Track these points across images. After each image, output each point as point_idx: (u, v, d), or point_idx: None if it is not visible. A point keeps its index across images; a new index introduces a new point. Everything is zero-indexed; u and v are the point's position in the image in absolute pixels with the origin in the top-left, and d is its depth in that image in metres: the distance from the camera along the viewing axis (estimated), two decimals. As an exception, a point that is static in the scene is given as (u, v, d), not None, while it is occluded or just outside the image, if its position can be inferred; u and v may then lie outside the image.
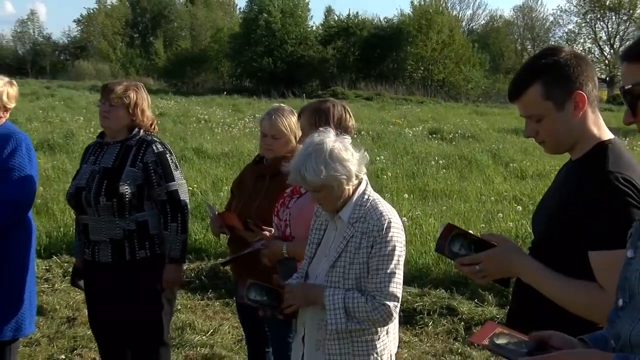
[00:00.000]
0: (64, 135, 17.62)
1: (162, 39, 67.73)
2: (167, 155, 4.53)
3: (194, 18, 70.13)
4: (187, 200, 4.64)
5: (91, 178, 4.46)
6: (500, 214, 9.90)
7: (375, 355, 3.34)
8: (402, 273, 3.33)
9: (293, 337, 3.79)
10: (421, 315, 6.72)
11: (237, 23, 60.98)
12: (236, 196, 4.72)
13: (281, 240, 4.07)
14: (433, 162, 14.91)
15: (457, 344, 6.26)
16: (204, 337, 6.25)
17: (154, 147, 4.50)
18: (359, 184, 3.37)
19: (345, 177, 3.24)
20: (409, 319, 6.67)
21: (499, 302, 7.01)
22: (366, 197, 3.36)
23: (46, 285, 7.55)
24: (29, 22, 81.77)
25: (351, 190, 3.33)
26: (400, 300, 3.31)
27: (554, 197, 2.66)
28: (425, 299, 7.00)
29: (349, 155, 3.27)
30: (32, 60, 74.07)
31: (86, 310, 4.84)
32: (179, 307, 6.89)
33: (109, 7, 76.24)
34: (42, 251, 8.39)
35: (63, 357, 5.85)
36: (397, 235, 3.30)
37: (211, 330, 6.38)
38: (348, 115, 4.10)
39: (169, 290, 4.62)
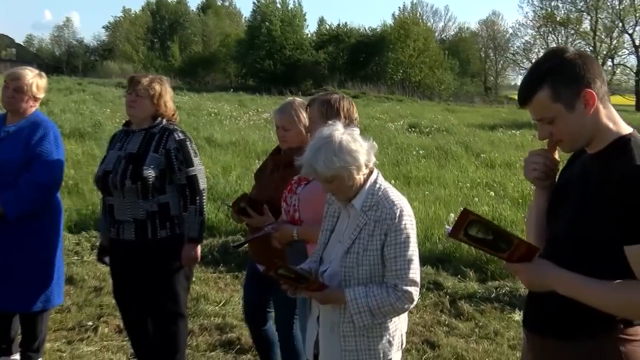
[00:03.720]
0: (92, 125, 17.39)
1: (178, 44, 67.68)
2: (188, 143, 4.27)
3: (206, 25, 69.93)
4: (205, 185, 4.36)
5: (117, 162, 4.20)
6: (476, 198, 9.64)
7: (388, 336, 3.00)
8: (418, 259, 2.99)
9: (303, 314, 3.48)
10: (411, 290, 6.41)
11: (242, 30, 61.45)
12: (256, 184, 4.41)
13: (290, 224, 3.75)
14: (414, 152, 14.64)
15: (443, 316, 6.00)
16: (216, 307, 5.97)
17: (176, 135, 4.24)
18: (370, 173, 3.01)
19: (355, 167, 2.89)
20: (400, 292, 6.37)
21: (479, 277, 6.79)
22: (378, 185, 3.00)
23: (76, 258, 7.30)
24: (64, 28, 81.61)
25: (362, 180, 2.97)
26: (419, 285, 2.98)
27: (573, 191, 2.28)
28: (414, 275, 6.68)
29: (358, 146, 2.92)
30: (66, 60, 73.83)
31: (111, 281, 4.61)
32: (194, 279, 6.58)
33: (133, 15, 75.95)
34: (73, 227, 8.21)
35: (90, 323, 5.56)
36: (410, 222, 2.95)
37: (223, 301, 6.10)
38: (353, 108, 3.81)
39: (187, 267, 4.38)
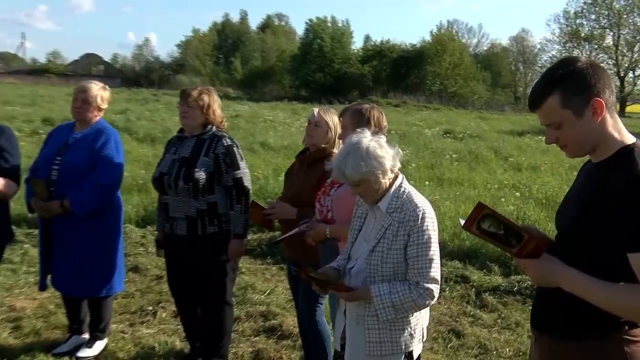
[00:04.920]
0: (162, 131, 17.46)
1: (240, 59, 68.01)
2: (234, 148, 4.23)
3: (264, 43, 70.34)
4: (250, 186, 4.30)
5: (172, 165, 4.17)
6: (503, 198, 9.36)
7: (409, 329, 2.87)
8: (439, 258, 2.85)
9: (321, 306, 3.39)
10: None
11: (296, 46, 61.50)
12: (284, 181, 4.37)
13: (324, 223, 3.66)
14: (447, 156, 14.30)
15: (469, 307, 5.81)
16: (262, 296, 5.89)
17: (224, 141, 4.21)
18: (396, 177, 2.90)
19: (380, 171, 2.79)
20: (429, 284, 6.20)
21: (503, 271, 6.56)
22: (402, 189, 2.88)
23: (142, 249, 7.30)
24: (144, 47, 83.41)
25: (388, 183, 2.86)
26: (440, 282, 2.84)
27: (578, 198, 2.13)
28: (443, 269, 6.41)
29: (384, 152, 2.81)
30: (145, 74, 74.81)
31: (166, 271, 4.59)
32: (243, 270, 6.55)
33: (202, 34, 76.92)
34: (140, 221, 8.21)
35: (150, 308, 5.54)
36: (431, 224, 2.82)
37: (268, 291, 6.01)
38: (383, 117, 3.72)
39: (233, 260, 4.33)
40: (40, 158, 4.50)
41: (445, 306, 5.82)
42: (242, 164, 4.24)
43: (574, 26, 58.44)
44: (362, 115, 3.62)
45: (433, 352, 4.87)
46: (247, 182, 4.25)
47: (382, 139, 2.88)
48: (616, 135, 2.06)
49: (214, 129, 4.28)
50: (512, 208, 8.49)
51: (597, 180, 2.05)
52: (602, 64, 2.25)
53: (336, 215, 3.59)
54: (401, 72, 51.90)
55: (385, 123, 3.72)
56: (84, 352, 4.57)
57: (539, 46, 65.25)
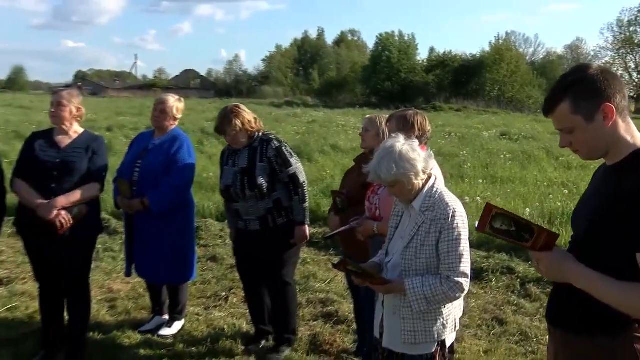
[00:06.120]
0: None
1: (317, 70, 68.32)
2: (283, 148, 4.21)
3: (339, 56, 70.40)
4: (305, 178, 4.28)
5: (235, 178, 4.18)
6: (550, 195, 8.94)
7: (442, 320, 2.76)
8: (469, 254, 2.72)
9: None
10: (487, 273, 6.02)
11: (367, 58, 61.11)
12: (343, 179, 4.35)
13: (372, 220, 3.61)
14: (502, 156, 13.79)
15: (513, 296, 5.57)
16: (322, 284, 5.81)
17: (272, 144, 4.19)
18: (429, 178, 2.78)
19: (413, 173, 2.68)
20: (477, 275, 5.99)
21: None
22: (435, 189, 2.76)
23: (220, 241, 7.32)
24: (234, 62, 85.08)
25: (421, 184, 2.75)
26: (469, 277, 2.71)
27: (593, 200, 1.96)
28: (490, 260, 6.30)
29: (416, 155, 2.70)
30: (235, 86, 76.14)
31: (235, 260, 4.72)
32: (308, 260, 6.51)
33: (284, 50, 77.60)
34: (219, 216, 8.21)
35: (223, 293, 5.58)
36: (462, 222, 2.69)
37: (328, 280, 5.93)
38: (426, 122, 3.63)
39: (298, 245, 4.37)
40: (125, 161, 4.60)
41: (491, 295, 5.59)
42: (293, 160, 4.22)
43: (628, 33, 55.80)
44: (406, 120, 3.55)
45: (477, 338, 4.68)
46: (301, 175, 4.24)
47: (415, 142, 2.78)
48: (629, 138, 1.89)
49: (260, 134, 4.26)
50: (558, 204, 8.09)
51: (610, 183, 1.88)
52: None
53: (383, 213, 3.53)
54: (462, 80, 50.77)
55: (428, 127, 3.63)
56: (164, 331, 4.64)
57: (592, 53, 62.51)
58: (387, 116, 3.88)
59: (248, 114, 4.23)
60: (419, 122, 3.54)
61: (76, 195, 3.86)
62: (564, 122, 1.91)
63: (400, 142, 2.72)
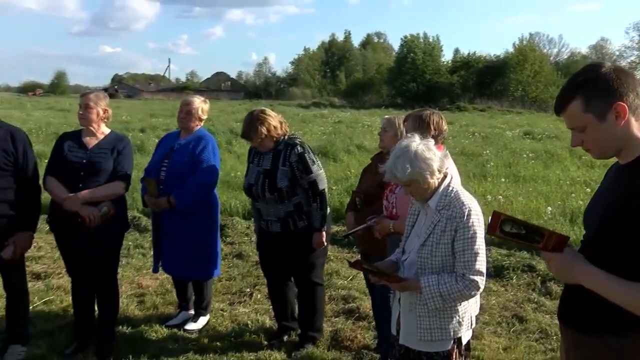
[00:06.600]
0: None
1: (344, 72, 68.18)
2: (306, 155, 4.13)
3: (365, 58, 70.23)
4: (325, 186, 4.20)
5: (257, 177, 4.16)
6: (573, 194, 8.74)
7: (458, 317, 2.70)
8: (484, 252, 2.66)
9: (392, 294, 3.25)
10: (507, 271, 5.91)
11: (392, 60, 60.76)
12: (360, 177, 4.32)
13: (389, 219, 3.57)
14: (524, 155, 13.53)
15: (534, 294, 5.46)
16: (344, 281, 5.79)
17: (296, 150, 4.12)
18: (445, 177, 2.73)
19: (428, 172, 2.63)
20: (498, 273, 5.90)
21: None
22: (450, 188, 2.71)
23: (245, 238, 7.32)
24: (263, 65, 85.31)
25: (437, 183, 2.69)
26: (485, 275, 2.64)
27: (606, 198, 1.89)
28: (512, 258, 6.17)
29: (432, 154, 2.65)
30: (264, 88, 76.40)
31: (259, 258, 4.72)
32: (331, 257, 6.47)
33: (311, 52, 77.56)
34: (246, 214, 8.22)
35: (248, 290, 5.58)
36: (477, 221, 2.63)
37: (350, 277, 5.89)
38: (443, 121, 3.55)
39: (318, 248, 4.27)
40: (152, 161, 4.64)
41: (512, 293, 5.49)
42: (315, 167, 4.14)
43: (653, 31, 54.27)
44: (422, 120, 3.49)
45: (496, 335, 4.59)
46: (321, 183, 4.16)
47: (431, 142, 2.72)
48: None
49: (285, 137, 4.21)
50: (580, 203, 7.91)
51: (623, 181, 1.81)
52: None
53: (400, 211, 3.49)
54: (486, 80, 50.16)
55: (445, 127, 3.56)
56: (190, 326, 4.65)
57: (617, 53, 61.03)
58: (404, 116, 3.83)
59: (274, 119, 4.16)
60: (434, 122, 3.48)
61: (100, 191, 3.91)
62: (575, 121, 1.85)
63: (416, 142, 2.67)
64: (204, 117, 4.60)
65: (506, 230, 1.88)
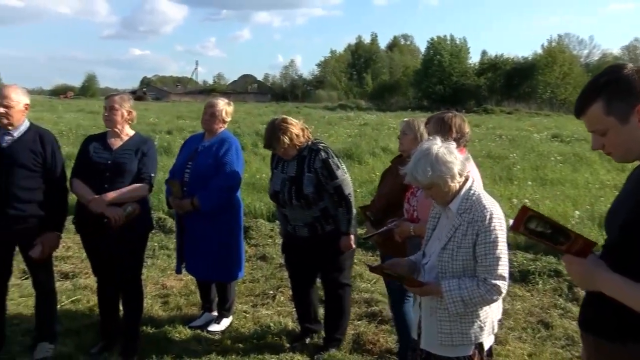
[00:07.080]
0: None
1: (370, 75, 68.12)
2: (330, 160, 4.11)
3: (391, 60, 70.09)
4: (350, 190, 4.17)
5: (283, 184, 4.16)
6: (602, 198, 8.56)
7: (479, 322, 2.66)
8: (507, 256, 2.61)
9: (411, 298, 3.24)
10: (533, 276, 5.82)
11: (419, 62, 60.47)
12: (380, 180, 4.29)
13: (409, 222, 3.55)
14: (552, 158, 13.30)
15: (560, 300, 5.36)
16: (368, 284, 5.76)
17: (320, 155, 4.11)
18: (466, 180, 2.69)
19: (449, 176, 2.59)
20: (524, 278, 5.81)
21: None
22: (472, 192, 2.66)
23: (270, 240, 7.34)
24: (290, 67, 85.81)
25: (458, 187, 2.65)
26: (507, 279, 2.60)
27: (629, 201, 1.84)
28: (538, 263, 6.08)
29: (453, 157, 2.61)
30: (290, 90, 76.73)
31: (284, 260, 4.78)
32: (355, 260, 6.39)
33: (338, 55, 77.65)
34: (270, 216, 8.23)
35: (271, 292, 5.59)
36: (499, 224, 2.58)
37: (374, 280, 5.85)
38: (465, 124, 3.52)
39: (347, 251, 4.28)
40: (176, 163, 4.68)
41: (537, 298, 5.40)
42: (339, 173, 4.11)
43: (689, 32, 53.13)
44: (444, 122, 3.47)
45: (521, 341, 4.53)
46: (347, 188, 4.14)
47: (452, 145, 2.68)
48: None
49: (309, 143, 4.20)
50: (609, 207, 7.73)
51: None
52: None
53: (420, 214, 3.47)
54: (514, 83, 49.60)
55: (467, 129, 3.53)
56: (213, 327, 4.69)
57: (651, 53, 59.92)
58: (425, 119, 3.79)
59: (295, 127, 4.14)
60: (456, 124, 3.46)
61: (125, 193, 3.96)
62: (596, 124, 1.81)
63: (437, 145, 2.64)
64: (228, 119, 4.62)
65: (531, 227, 1.83)
